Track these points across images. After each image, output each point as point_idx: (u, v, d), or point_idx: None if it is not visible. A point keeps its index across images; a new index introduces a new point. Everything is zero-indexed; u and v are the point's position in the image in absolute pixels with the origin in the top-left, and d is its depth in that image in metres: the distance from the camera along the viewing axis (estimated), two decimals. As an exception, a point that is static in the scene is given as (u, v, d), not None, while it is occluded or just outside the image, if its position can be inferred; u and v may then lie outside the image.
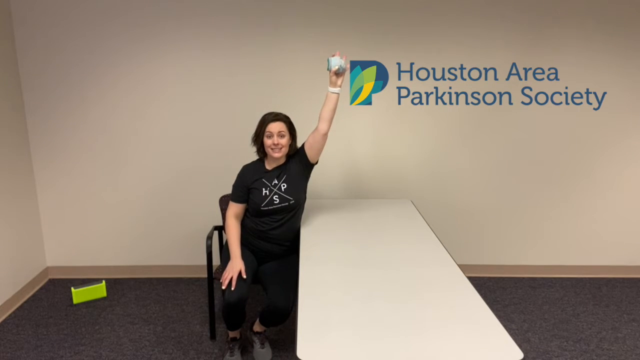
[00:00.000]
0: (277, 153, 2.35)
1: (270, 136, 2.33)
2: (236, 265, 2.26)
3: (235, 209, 2.44)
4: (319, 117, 2.38)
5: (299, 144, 2.49)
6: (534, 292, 3.25)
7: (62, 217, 3.31)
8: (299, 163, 2.46)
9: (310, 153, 2.43)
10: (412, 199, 3.16)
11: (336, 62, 2.26)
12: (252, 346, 2.51)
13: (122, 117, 3.16)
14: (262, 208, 2.37)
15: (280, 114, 2.39)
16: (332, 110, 2.37)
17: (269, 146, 2.34)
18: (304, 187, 2.49)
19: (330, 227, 2.53)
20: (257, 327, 2.51)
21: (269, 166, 2.44)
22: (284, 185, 2.40)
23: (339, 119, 3.18)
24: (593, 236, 3.43)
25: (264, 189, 2.38)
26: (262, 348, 2.47)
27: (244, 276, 2.24)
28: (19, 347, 2.57)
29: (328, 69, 2.30)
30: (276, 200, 2.37)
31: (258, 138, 2.39)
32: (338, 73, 2.30)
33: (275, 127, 2.32)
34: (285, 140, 2.35)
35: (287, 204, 2.38)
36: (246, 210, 2.48)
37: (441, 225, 3.15)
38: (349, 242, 2.32)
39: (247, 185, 2.41)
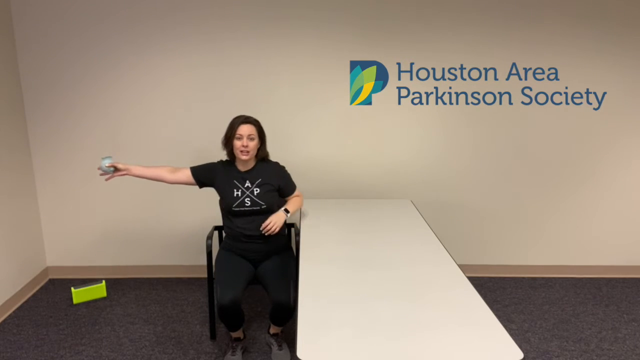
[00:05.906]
0: (245, 156, 2.35)
1: (240, 138, 2.33)
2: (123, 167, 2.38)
3: (183, 170, 2.46)
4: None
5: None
6: (534, 292, 3.25)
7: (62, 217, 3.31)
8: (275, 181, 2.47)
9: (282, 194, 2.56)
10: (412, 199, 3.16)
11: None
12: (270, 348, 2.51)
13: (122, 116, 3.16)
14: (233, 208, 2.38)
15: (251, 117, 2.40)
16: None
17: (238, 148, 2.34)
18: (276, 197, 2.51)
19: (330, 227, 2.53)
20: (272, 329, 2.53)
21: (240, 168, 2.45)
22: (256, 190, 2.40)
23: (339, 119, 3.20)
24: (593, 236, 3.43)
25: (235, 190, 2.40)
26: (280, 350, 2.45)
27: (120, 168, 2.36)
28: (19, 347, 2.57)
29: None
30: (247, 203, 2.38)
31: (229, 141, 2.38)
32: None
33: (246, 129, 2.33)
34: (253, 144, 2.35)
35: (258, 208, 2.39)
36: (223, 216, 2.54)
37: (441, 225, 3.15)
38: (349, 242, 2.32)
39: (212, 177, 2.46)
